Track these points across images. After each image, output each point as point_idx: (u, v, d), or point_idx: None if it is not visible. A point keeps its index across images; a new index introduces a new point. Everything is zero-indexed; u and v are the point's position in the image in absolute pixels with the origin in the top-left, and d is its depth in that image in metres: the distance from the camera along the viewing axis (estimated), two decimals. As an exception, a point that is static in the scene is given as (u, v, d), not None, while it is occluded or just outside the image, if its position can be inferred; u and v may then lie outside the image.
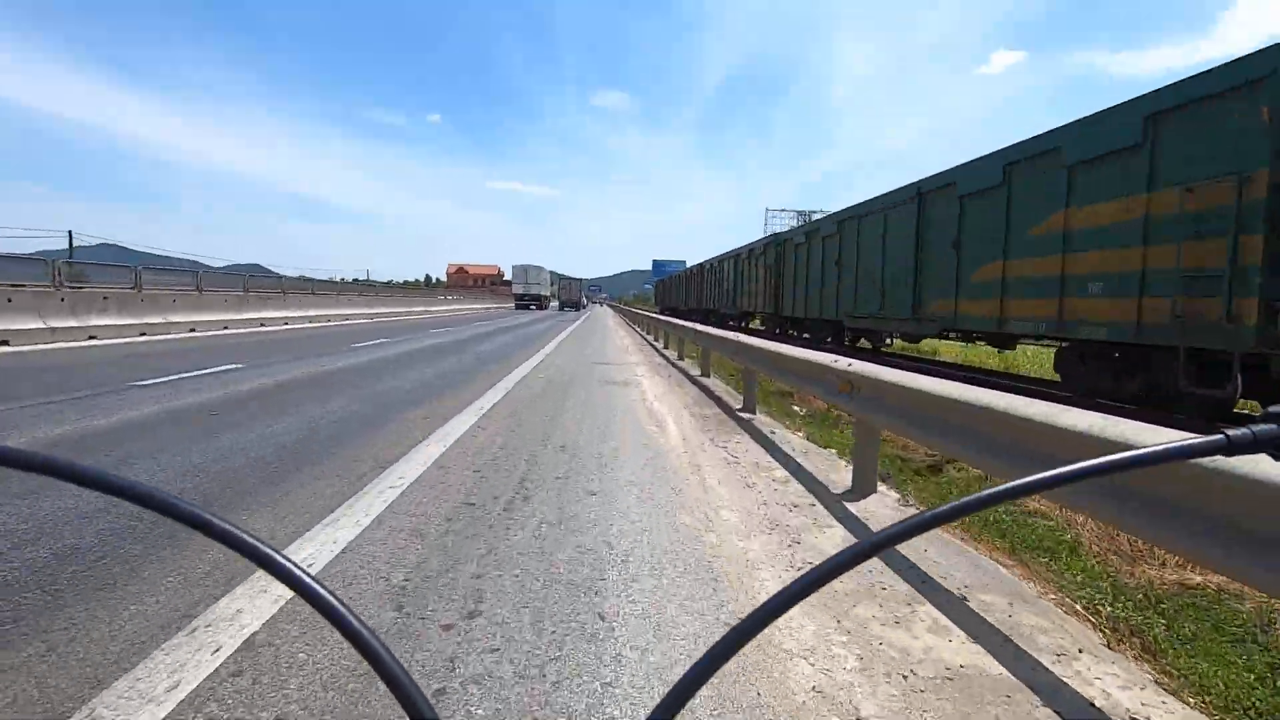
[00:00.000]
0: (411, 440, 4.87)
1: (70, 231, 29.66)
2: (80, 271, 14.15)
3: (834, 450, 5.27)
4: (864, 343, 15.15)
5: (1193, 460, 0.49)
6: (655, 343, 17.64)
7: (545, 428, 5.48)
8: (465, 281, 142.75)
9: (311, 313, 20.72)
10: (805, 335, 16.99)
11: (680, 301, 38.97)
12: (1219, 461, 1.47)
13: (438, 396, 7.10)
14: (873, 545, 0.39)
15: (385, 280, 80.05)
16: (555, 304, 67.31)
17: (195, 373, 8.11)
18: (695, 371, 10.35)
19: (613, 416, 6.11)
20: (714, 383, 9.21)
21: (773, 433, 5.66)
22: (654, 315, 23.43)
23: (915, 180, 10.64)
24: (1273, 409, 0.42)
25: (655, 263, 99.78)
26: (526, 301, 59.23)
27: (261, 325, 17.78)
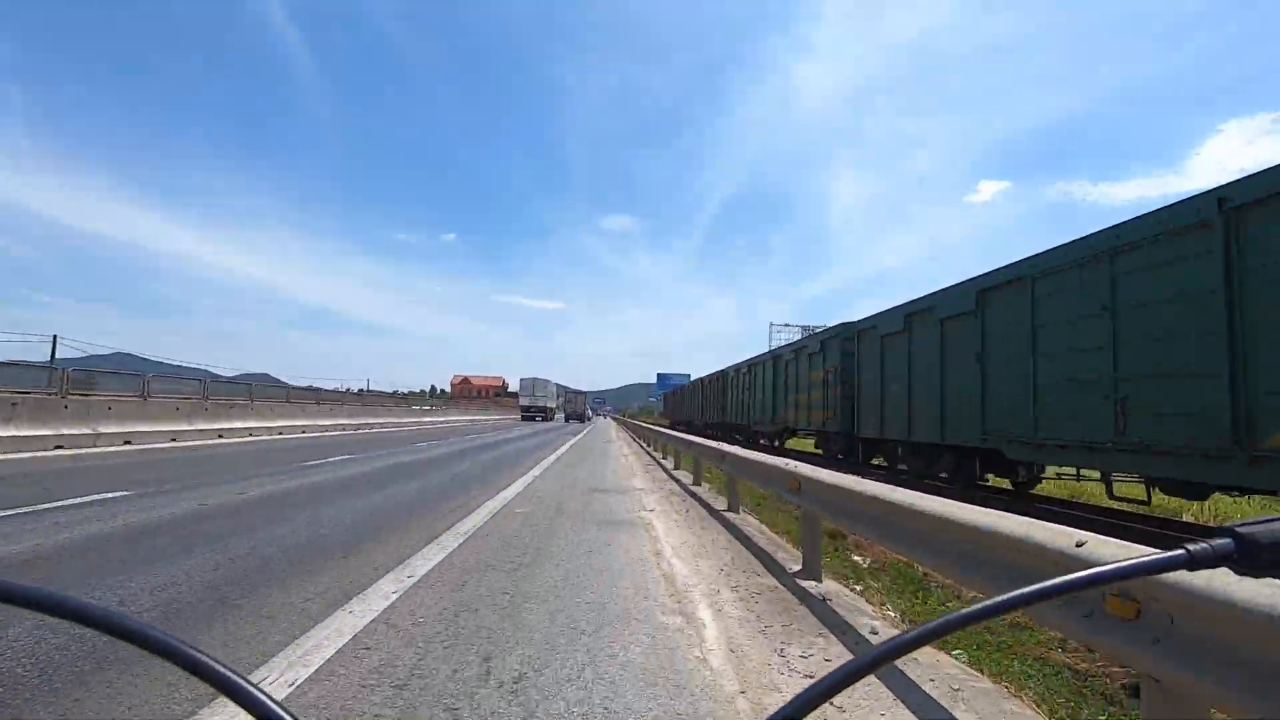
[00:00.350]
0: (235, 664, 2.69)
1: (55, 336, 28.64)
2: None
3: (963, 654, 3.11)
4: (989, 477, 9.90)
5: (1157, 576, 0.44)
6: (663, 461, 15.40)
7: (496, 625, 3.29)
8: (469, 392, 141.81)
9: (280, 424, 18.67)
10: (877, 462, 12.89)
11: (695, 414, 35.12)
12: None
13: (361, 548, 4.93)
14: (883, 653, 0.42)
15: (391, 390, 78.95)
16: (561, 416, 68.10)
17: (51, 504, 6.00)
18: (719, 503, 8.15)
19: (610, 594, 3.91)
20: (746, 520, 6.99)
21: (874, 632, 3.45)
22: (662, 429, 21.15)
23: (1214, 187, 5.62)
24: (1228, 525, 0.43)
25: (660, 376, 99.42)
26: (533, 413, 59.54)
27: (220, 437, 15.73)
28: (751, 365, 22.92)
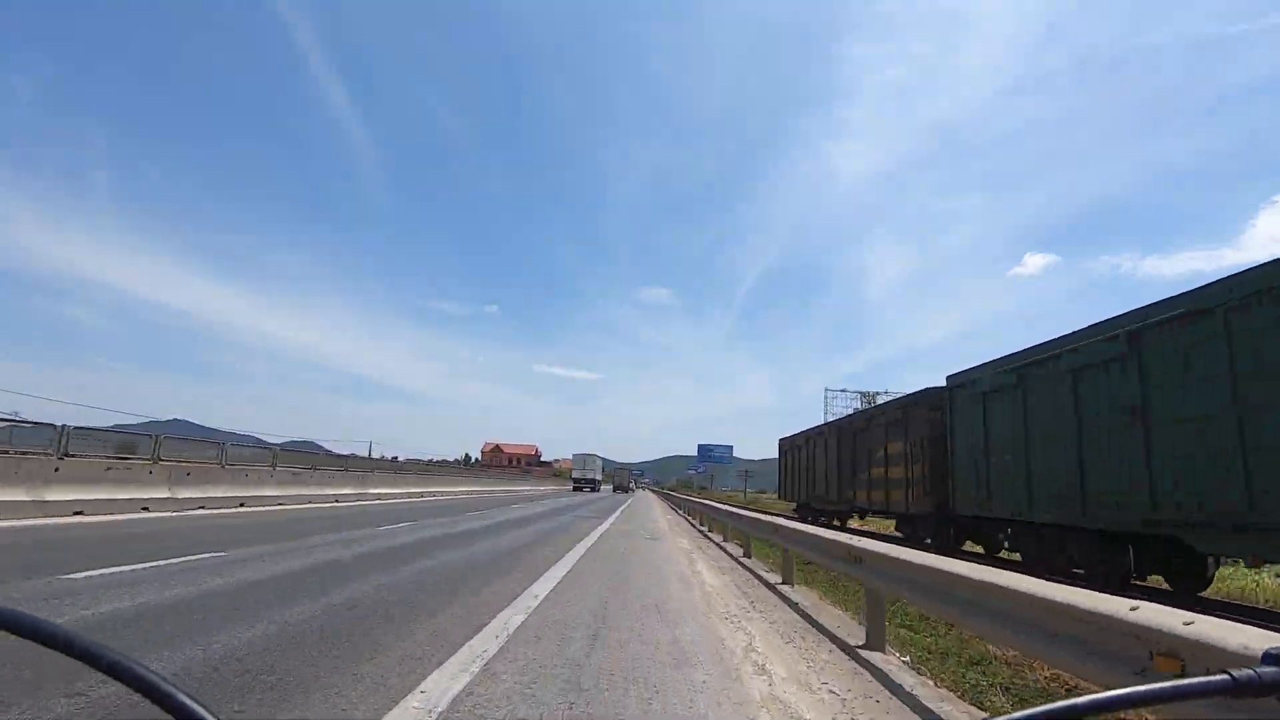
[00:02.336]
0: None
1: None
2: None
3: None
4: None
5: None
6: (796, 598, 7.24)
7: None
8: (500, 460, 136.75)
9: (220, 494, 14.52)
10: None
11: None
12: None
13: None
14: None
15: (429, 458, 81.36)
16: (609, 487, 78.84)
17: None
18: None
19: None
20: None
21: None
22: (776, 519, 10.68)
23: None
24: (1274, 649, 0.44)
25: (701, 447, 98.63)
26: (582, 485, 69.24)
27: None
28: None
